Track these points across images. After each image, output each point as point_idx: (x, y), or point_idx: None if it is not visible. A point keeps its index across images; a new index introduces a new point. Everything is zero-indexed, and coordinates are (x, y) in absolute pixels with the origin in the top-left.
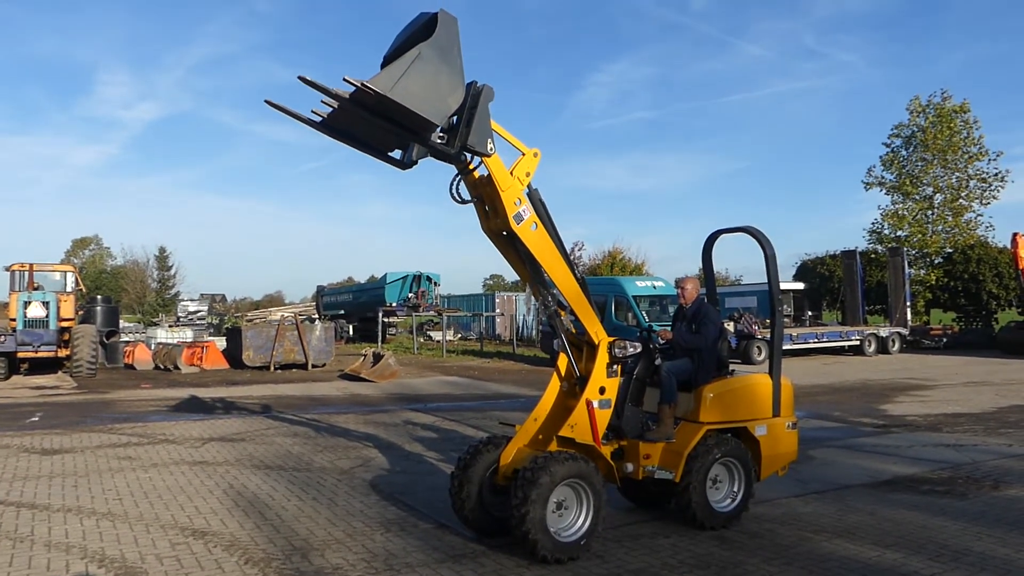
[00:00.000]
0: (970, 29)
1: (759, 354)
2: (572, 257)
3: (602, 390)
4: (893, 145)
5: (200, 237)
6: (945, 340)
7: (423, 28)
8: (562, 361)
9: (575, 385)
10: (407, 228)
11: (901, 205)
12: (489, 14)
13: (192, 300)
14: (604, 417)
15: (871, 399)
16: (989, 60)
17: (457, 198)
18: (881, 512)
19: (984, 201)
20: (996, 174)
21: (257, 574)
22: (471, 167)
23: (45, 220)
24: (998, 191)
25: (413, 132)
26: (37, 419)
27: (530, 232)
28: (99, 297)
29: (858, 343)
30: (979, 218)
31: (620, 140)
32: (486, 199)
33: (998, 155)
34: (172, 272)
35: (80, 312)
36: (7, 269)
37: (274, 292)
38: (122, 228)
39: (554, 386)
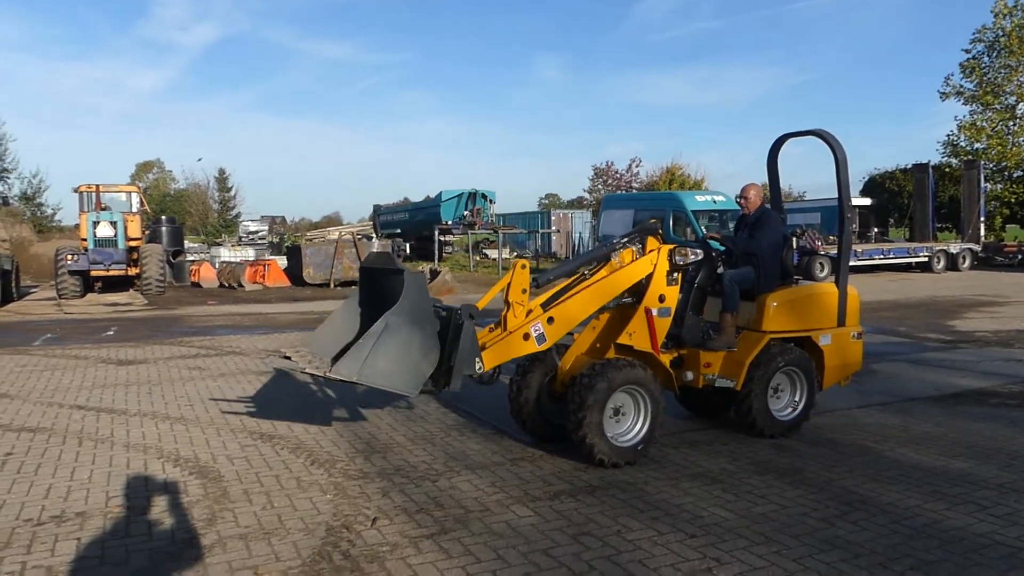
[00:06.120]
0: None
1: (821, 270)
2: (630, 173)
3: (661, 298)
4: (974, 51)
5: (258, 159)
6: (1020, 257)
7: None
8: None
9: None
10: (463, 146)
11: (980, 116)
12: None
13: (253, 221)
14: (663, 325)
15: (938, 315)
16: None
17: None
18: (948, 423)
19: None
20: None
21: (323, 474)
22: None
23: (108, 145)
24: None
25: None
26: (112, 333)
27: (552, 328)
28: (164, 218)
29: (926, 259)
30: None
31: (682, 52)
32: None
33: None
34: (232, 193)
35: (147, 232)
36: (75, 190)
37: (332, 213)
38: (183, 151)
39: None
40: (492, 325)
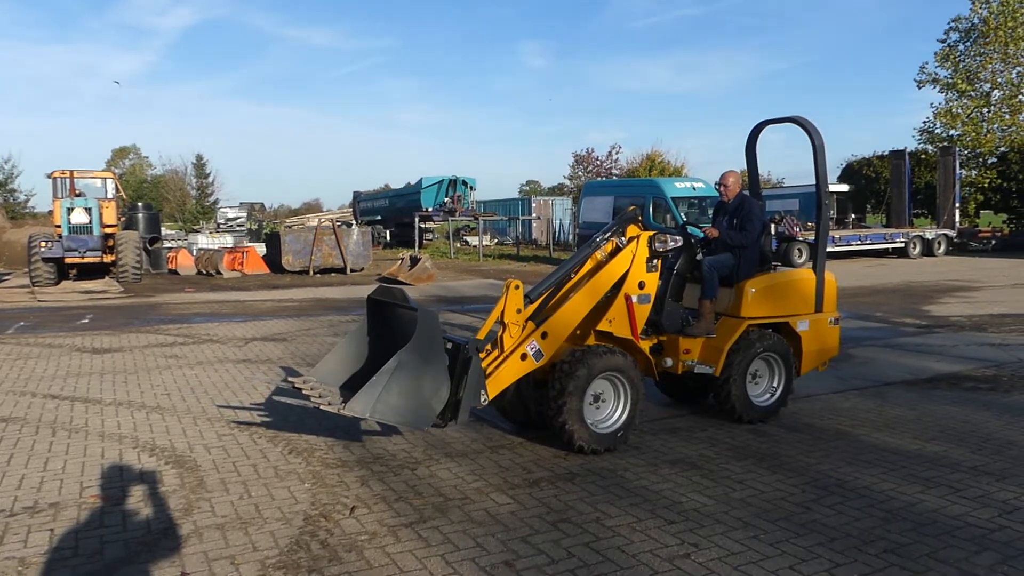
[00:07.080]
0: None
1: (800, 256)
2: (610, 160)
3: (641, 285)
4: (950, 40)
5: (237, 145)
6: (994, 242)
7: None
8: None
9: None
10: (444, 133)
11: (955, 103)
12: None
13: (231, 207)
14: (643, 312)
15: (914, 300)
16: None
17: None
18: (922, 407)
19: None
20: None
21: (301, 463)
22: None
23: (83, 130)
24: None
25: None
26: (87, 321)
27: (547, 342)
28: (140, 204)
29: (902, 245)
30: None
31: (664, 39)
32: None
33: None
34: (210, 180)
35: (122, 219)
36: (49, 176)
37: (311, 199)
38: (160, 137)
39: None
40: (488, 346)
